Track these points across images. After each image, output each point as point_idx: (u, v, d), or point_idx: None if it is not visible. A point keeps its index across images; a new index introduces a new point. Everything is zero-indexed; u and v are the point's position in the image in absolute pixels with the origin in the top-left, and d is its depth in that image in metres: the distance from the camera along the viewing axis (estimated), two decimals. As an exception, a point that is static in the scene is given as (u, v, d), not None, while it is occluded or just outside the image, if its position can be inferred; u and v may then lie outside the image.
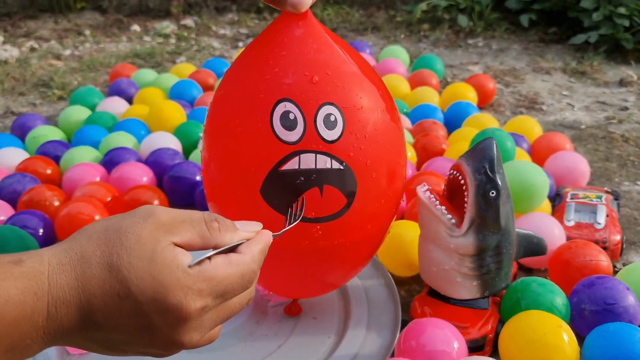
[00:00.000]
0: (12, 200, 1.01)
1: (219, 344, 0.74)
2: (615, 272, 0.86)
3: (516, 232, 0.77)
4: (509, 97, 1.55)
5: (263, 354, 0.73)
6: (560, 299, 0.73)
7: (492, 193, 0.71)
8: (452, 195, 0.75)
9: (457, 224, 0.72)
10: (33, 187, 1.01)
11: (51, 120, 1.41)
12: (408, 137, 1.20)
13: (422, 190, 0.74)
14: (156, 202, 1.00)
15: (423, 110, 1.31)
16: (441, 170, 1.04)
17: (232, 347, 0.74)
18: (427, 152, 1.15)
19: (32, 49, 1.96)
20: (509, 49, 1.89)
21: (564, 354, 0.65)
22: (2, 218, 0.95)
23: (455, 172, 0.73)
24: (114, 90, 1.46)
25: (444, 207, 0.72)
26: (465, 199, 0.72)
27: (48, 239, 0.93)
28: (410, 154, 1.14)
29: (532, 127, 1.23)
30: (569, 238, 0.88)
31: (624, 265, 0.90)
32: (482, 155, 0.72)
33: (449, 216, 0.72)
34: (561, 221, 0.92)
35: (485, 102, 1.47)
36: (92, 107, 1.40)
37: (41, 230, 0.92)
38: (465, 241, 0.72)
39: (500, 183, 0.71)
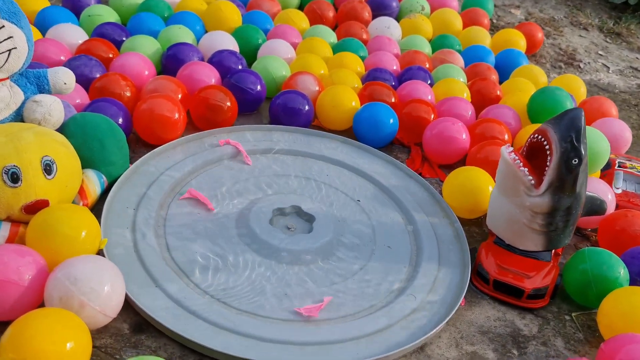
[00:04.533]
0: (82, 83, 1.00)
1: (301, 260, 0.80)
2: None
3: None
4: (549, 49, 1.58)
5: (348, 273, 0.80)
6: (624, 270, 0.80)
7: (575, 161, 0.77)
8: (531, 156, 0.80)
9: (536, 184, 0.78)
10: (106, 75, 1.00)
11: (99, -3, 1.36)
12: (462, 77, 1.24)
13: (507, 151, 0.79)
14: (228, 103, 1.01)
15: (476, 51, 1.34)
16: (500, 117, 1.09)
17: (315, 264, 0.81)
18: (482, 96, 1.19)
19: None
20: (549, -4, 1.89)
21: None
22: (78, 101, 0.95)
23: (539, 137, 0.78)
24: (166, -24, 1.41)
25: (526, 169, 0.78)
26: (548, 163, 0.77)
27: (126, 130, 0.93)
28: (466, 95, 1.17)
29: (578, 87, 1.28)
30: (616, 204, 0.96)
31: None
32: (570, 124, 0.76)
33: (530, 177, 0.78)
34: (609, 187, 0.99)
35: (531, 51, 1.50)
36: (144, -9, 1.35)
37: (120, 120, 0.92)
38: (541, 201, 0.78)
39: (583, 152, 0.77)
